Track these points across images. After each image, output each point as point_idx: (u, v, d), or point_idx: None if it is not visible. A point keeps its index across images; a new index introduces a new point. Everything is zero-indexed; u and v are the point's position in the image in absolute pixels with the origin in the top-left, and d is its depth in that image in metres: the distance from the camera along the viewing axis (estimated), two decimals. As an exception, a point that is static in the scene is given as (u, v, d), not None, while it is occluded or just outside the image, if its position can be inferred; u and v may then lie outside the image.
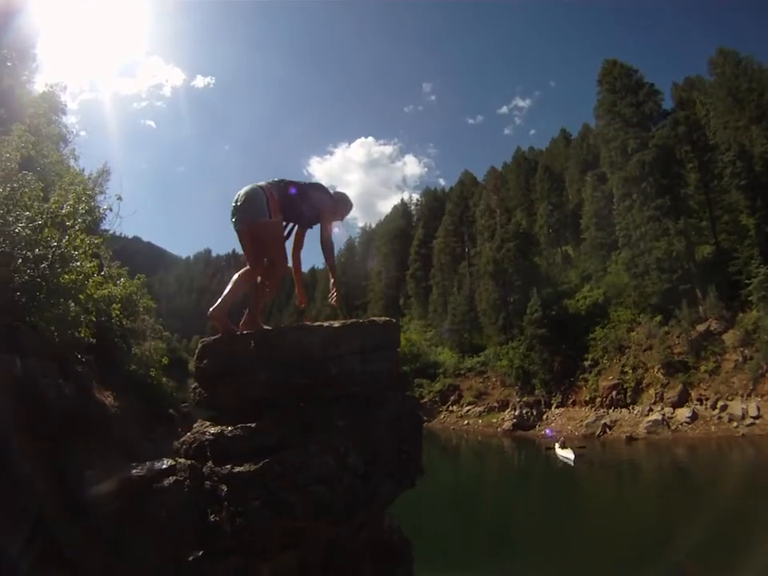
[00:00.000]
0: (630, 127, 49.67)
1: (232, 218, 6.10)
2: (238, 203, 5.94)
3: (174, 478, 5.49)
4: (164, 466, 5.56)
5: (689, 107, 54.57)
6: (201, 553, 5.26)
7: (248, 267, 6.53)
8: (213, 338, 6.54)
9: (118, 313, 15.38)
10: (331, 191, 6.95)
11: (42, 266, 8.55)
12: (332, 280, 7.15)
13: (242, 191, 5.96)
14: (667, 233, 45.60)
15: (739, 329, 39.92)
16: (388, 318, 6.91)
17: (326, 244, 6.67)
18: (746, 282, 39.32)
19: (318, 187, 6.73)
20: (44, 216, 8.92)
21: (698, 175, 47.26)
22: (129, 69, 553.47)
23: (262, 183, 6.11)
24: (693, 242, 45.96)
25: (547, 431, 42.16)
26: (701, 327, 42.45)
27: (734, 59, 56.03)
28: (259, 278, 6.60)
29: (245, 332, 6.50)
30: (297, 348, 6.07)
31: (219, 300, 6.54)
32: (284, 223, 6.44)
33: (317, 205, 6.50)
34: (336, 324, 6.35)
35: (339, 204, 6.94)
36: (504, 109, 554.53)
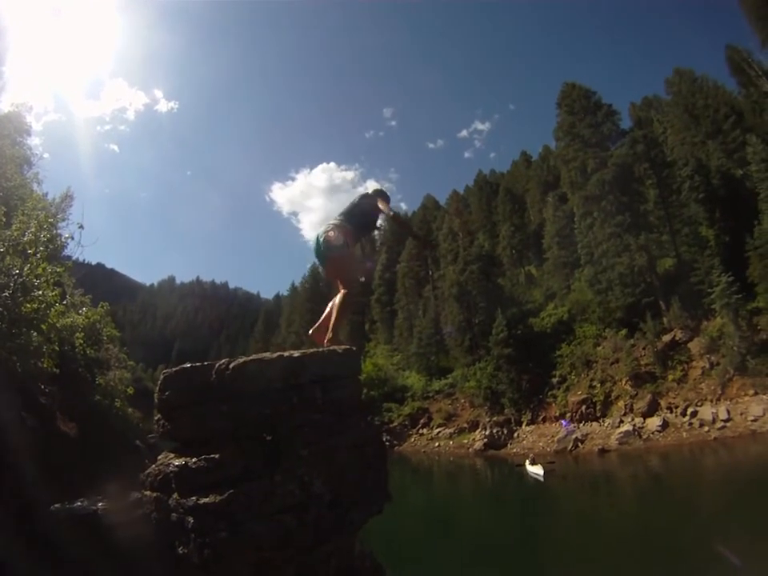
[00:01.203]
0: (589, 147, 51.06)
1: (317, 254, 7.07)
2: (321, 240, 6.79)
3: (141, 511, 5.41)
4: (130, 499, 5.49)
5: (646, 126, 56.45)
6: None
7: (342, 291, 7.19)
8: (174, 369, 6.39)
9: (82, 342, 15.04)
10: (371, 190, 7.64)
11: (4, 294, 8.39)
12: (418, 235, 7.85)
13: (322, 230, 6.84)
14: (628, 248, 46.73)
15: (704, 337, 40.84)
16: (348, 346, 6.93)
17: (395, 217, 7.73)
18: (709, 291, 40.24)
19: (365, 195, 7.47)
20: (5, 243, 8.84)
21: (657, 191, 48.35)
22: (93, 91, 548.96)
23: (335, 221, 6.95)
24: (654, 255, 47.11)
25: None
26: (666, 338, 43.31)
27: (689, 78, 58.10)
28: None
29: (206, 362, 6.44)
30: (258, 379, 5.98)
31: (320, 322, 7.40)
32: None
33: (372, 210, 7.31)
34: (296, 353, 6.25)
35: (382, 196, 7.45)
36: (464, 132, 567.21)
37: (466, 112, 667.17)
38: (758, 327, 38.23)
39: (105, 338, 19.31)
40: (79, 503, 5.40)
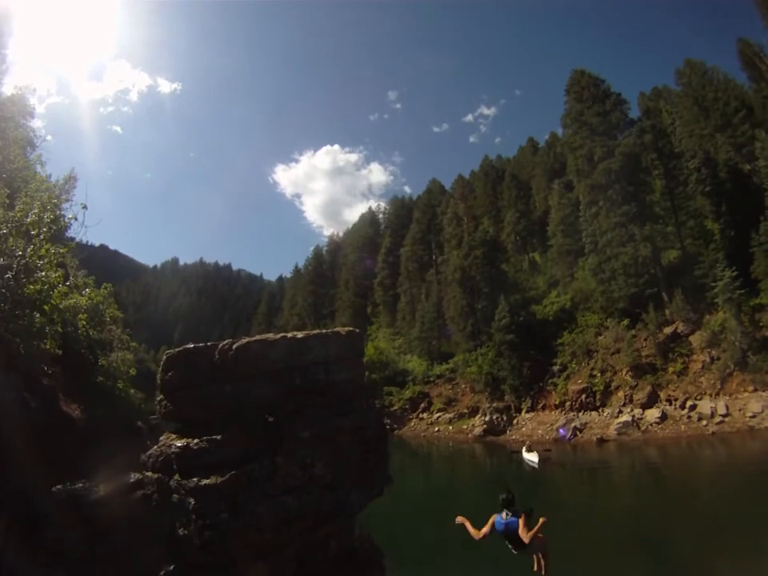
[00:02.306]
0: (596, 136, 50.63)
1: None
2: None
3: (142, 492, 5.49)
4: (131, 480, 5.55)
5: (655, 116, 55.85)
6: (172, 567, 5.22)
7: None
8: (177, 350, 6.51)
9: (85, 323, 15.01)
10: None
11: (6, 276, 8.36)
12: None
13: None
14: (633, 238, 46.46)
15: (706, 330, 40.73)
16: (351, 328, 7.09)
17: None
18: (712, 284, 40.02)
19: None
20: (9, 224, 8.81)
21: (664, 182, 48.18)
22: (95, 73, 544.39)
23: None
24: (658, 246, 46.90)
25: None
26: (668, 330, 43.27)
27: (700, 69, 57.46)
28: None
29: (209, 343, 6.57)
30: (260, 359, 6.13)
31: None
32: None
33: None
34: (299, 335, 6.43)
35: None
36: (469, 117, 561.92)
37: (471, 96, 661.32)
38: (760, 324, 38.13)
39: (108, 319, 19.33)
40: (81, 485, 5.47)
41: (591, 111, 51.78)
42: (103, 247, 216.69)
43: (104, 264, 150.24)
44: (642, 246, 45.74)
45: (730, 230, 43.59)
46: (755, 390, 35.73)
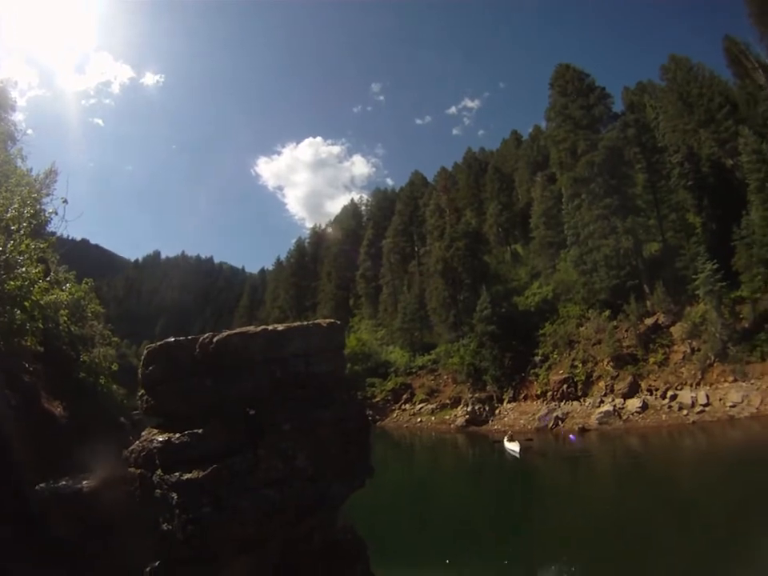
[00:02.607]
0: (580, 129, 50.87)
1: None
2: None
3: (125, 487, 5.38)
4: (114, 477, 5.46)
5: (639, 110, 56.53)
6: (158, 564, 5.16)
7: None
8: (158, 344, 6.47)
9: (66, 319, 14.80)
10: None
11: None
12: None
13: None
14: (615, 231, 46.91)
15: (686, 322, 41.24)
16: (332, 320, 7.06)
17: None
18: (693, 277, 40.42)
19: None
20: None
21: (646, 175, 48.48)
22: (78, 65, 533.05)
23: None
24: (640, 239, 47.43)
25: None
26: (649, 321, 43.76)
27: (685, 65, 57.72)
28: None
29: (190, 336, 6.47)
30: (241, 352, 6.09)
31: None
32: None
33: None
34: (280, 327, 6.41)
35: None
36: (453, 109, 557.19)
37: (455, 89, 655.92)
38: (741, 316, 38.68)
39: (89, 315, 19.04)
40: (64, 482, 5.37)
41: (575, 105, 51.98)
42: (84, 241, 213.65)
43: (85, 258, 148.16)
44: (624, 238, 46.16)
45: (711, 223, 44.11)
46: (735, 380, 36.19)
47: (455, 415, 51.11)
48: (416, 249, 79.22)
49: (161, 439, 5.77)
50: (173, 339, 6.51)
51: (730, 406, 34.69)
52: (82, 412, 13.18)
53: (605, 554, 15.28)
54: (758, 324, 37.32)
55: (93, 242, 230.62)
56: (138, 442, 6.09)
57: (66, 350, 15.13)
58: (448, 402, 54.19)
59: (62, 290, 15.15)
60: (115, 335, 22.57)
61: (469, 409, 49.90)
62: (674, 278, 43.63)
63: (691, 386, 37.98)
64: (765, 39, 44.77)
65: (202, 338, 6.28)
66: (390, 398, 59.95)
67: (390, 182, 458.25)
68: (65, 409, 12.21)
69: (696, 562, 14.67)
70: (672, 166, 47.27)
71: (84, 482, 5.38)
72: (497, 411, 48.91)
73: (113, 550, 5.11)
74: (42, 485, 5.99)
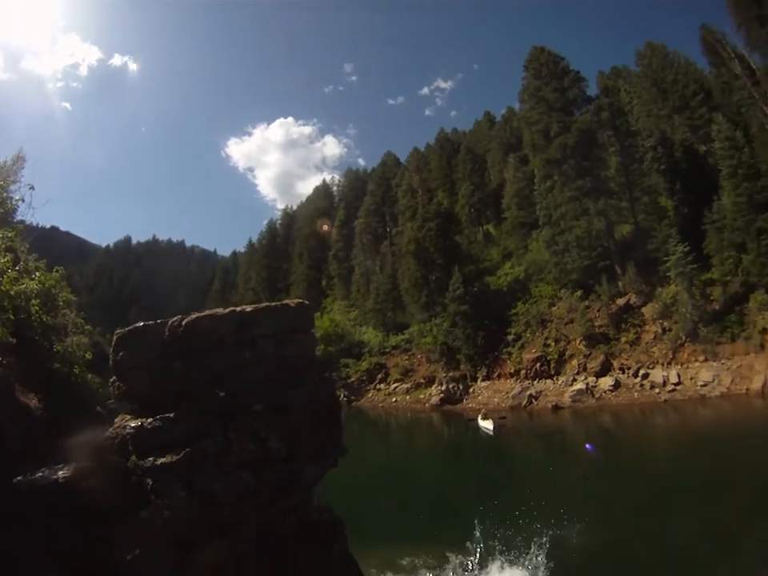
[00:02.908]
0: (553, 111, 50.91)
1: None
2: None
3: (100, 476, 5.24)
4: (89, 465, 5.30)
5: (613, 95, 56.38)
6: (138, 551, 5.07)
7: None
8: (127, 329, 6.42)
9: (38, 309, 14.47)
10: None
11: None
12: None
13: None
14: (587, 212, 47.31)
15: (658, 302, 41.97)
16: (301, 300, 7.04)
17: None
18: (665, 259, 40.99)
19: None
20: None
21: (619, 158, 48.68)
22: (44, 47, 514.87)
23: None
24: (612, 221, 47.96)
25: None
26: (620, 301, 44.39)
27: (661, 52, 58.01)
28: None
29: (157, 321, 6.43)
30: (210, 334, 6.11)
31: None
32: None
33: None
34: (248, 308, 6.43)
35: None
36: (425, 90, 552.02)
37: (428, 70, 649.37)
38: (711, 298, 39.48)
39: (61, 304, 18.57)
40: (41, 474, 5.21)
41: (549, 87, 51.92)
42: (54, 229, 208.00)
43: (55, 246, 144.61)
44: (596, 219, 46.58)
45: (683, 207, 44.74)
46: (706, 360, 37.00)
47: (430, 394, 51.36)
48: (388, 229, 78.89)
49: (133, 425, 5.75)
50: (142, 324, 6.46)
51: (701, 385, 35.50)
52: (57, 403, 12.95)
53: (581, 527, 15.29)
54: (728, 306, 38.11)
55: (63, 228, 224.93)
56: (111, 429, 6.03)
57: (39, 340, 14.79)
58: (422, 381, 54.38)
59: (32, 279, 14.75)
60: (88, 323, 21.99)
61: (443, 388, 50.20)
62: (645, 260, 44.26)
63: (663, 365, 38.73)
64: (742, 29, 45.00)
65: (171, 322, 6.27)
66: (364, 378, 59.94)
67: (361, 162, 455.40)
68: (40, 401, 12.01)
69: (665, 529, 15.33)
70: (645, 150, 47.66)
71: (60, 473, 5.16)
72: (471, 390, 49.29)
73: (93, 539, 4.94)
74: (19, 478, 5.68)
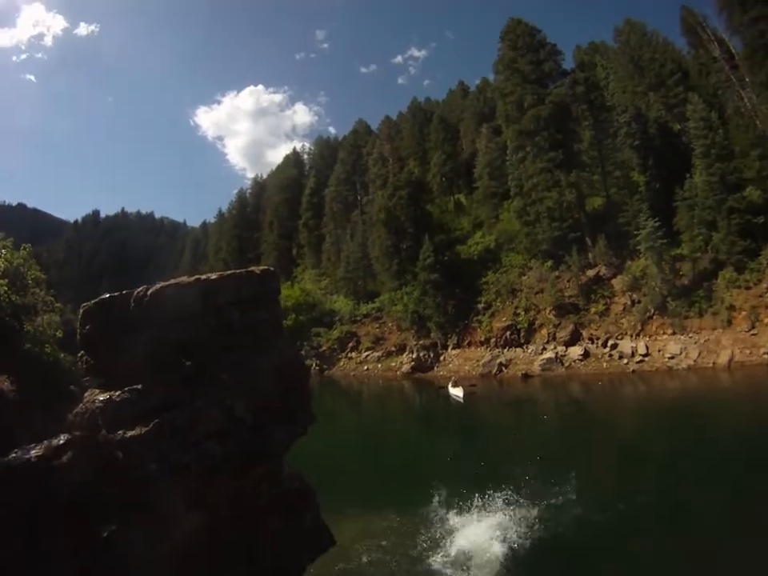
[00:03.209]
0: (528, 83, 50.57)
1: None
2: None
3: (72, 452, 5.09)
4: (60, 442, 5.14)
5: (589, 69, 56.30)
6: (114, 528, 5.00)
7: None
8: (93, 301, 6.34)
9: (6, 289, 13.99)
10: None
11: None
12: None
13: None
14: (559, 184, 47.39)
15: (627, 275, 42.64)
16: (266, 267, 7.02)
17: None
18: (635, 233, 41.52)
19: None
20: None
21: (593, 133, 48.82)
22: (7, 18, 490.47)
23: None
24: (584, 193, 48.29)
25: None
26: (590, 272, 44.92)
27: (640, 30, 57.67)
28: None
29: (123, 292, 6.37)
30: (175, 303, 6.04)
31: None
32: None
33: None
34: (213, 276, 6.39)
35: None
36: (399, 58, 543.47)
37: (401, 38, 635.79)
38: (680, 273, 40.08)
39: (30, 282, 18.13)
40: (14, 454, 5.01)
41: (524, 59, 51.49)
42: (21, 206, 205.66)
43: (23, 223, 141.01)
44: (568, 191, 46.69)
45: (655, 183, 45.02)
46: (674, 333, 37.78)
47: (401, 362, 51.63)
48: (359, 198, 77.94)
49: (102, 399, 5.69)
50: (107, 296, 6.36)
51: (669, 358, 36.34)
52: (31, 384, 12.72)
53: (549, 489, 15.87)
54: (696, 282, 38.81)
55: (30, 205, 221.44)
56: (81, 404, 5.96)
57: (9, 321, 14.48)
58: (393, 349, 54.61)
59: (-1, 257, 14.26)
60: (59, 301, 21.56)
61: (414, 356, 50.51)
62: (615, 233, 44.77)
63: (631, 336, 39.47)
64: (724, 13, 44.96)
65: (136, 292, 6.18)
66: (336, 346, 59.82)
67: (332, 130, 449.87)
68: (12, 382, 11.83)
69: (627, 486, 16.62)
70: (619, 126, 47.78)
71: (32, 452, 4.96)
72: (442, 358, 49.77)
73: (67, 517, 4.79)
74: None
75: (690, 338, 36.63)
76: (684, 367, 34.95)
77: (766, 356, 32.22)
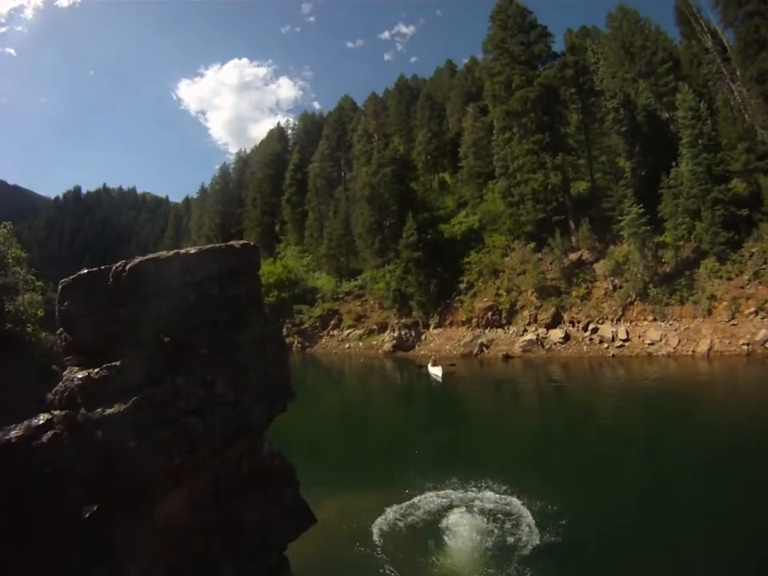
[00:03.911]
0: (517, 64, 49.88)
1: None
2: None
3: (52, 431, 4.98)
4: (41, 422, 5.04)
5: (580, 53, 55.62)
6: (96, 508, 4.85)
7: None
8: (71, 277, 6.21)
9: None
10: None
11: None
12: None
13: None
14: (544, 166, 47.03)
15: (610, 260, 42.59)
16: (246, 242, 6.95)
17: None
18: (619, 218, 41.36)
19: None
20: None
21: (580, 116, 48.58)
22: None
23: None
24: (569, 177, 47.97)
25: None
26: (573, 256, 44.85)
27: (633, 17, 56.80)
28: None
29: (101, 267, 6.23)
30: (154, 279, 5.97)
31: None
32: None
33: None
34: (192, 250, 6.34)
35: None
36: (386, 34, 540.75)
37: (389, 13, 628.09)
38: (663, 260, 40.06)
39: (10, 261, 17.60)
40: None
41: (514, 40, 50.80)
42: (2, 183, 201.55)
43: (4, 201, 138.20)
44: (553, 174, 46.34)
45: (641, 169, 44.88)
46: (654, 319, 37.84)
47: (382, 341, 51.57)
48: (343, 174, 77.09)
49: (80, 376, 5.56)
50: (86, 271, 6.19)
51: (649, 344, 36.45)
52: (13, 364, 12.46)
53: (526, 466, 16.55)
54: (679, 270, 38.78)
55: (10, 182, 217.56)
56: (60, 383, 5.80)
57: None
58: (375, 327, 54.58)
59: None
60: (40, 279, 21.01)
61: (396, 334, 50.36)
62: (599, 218, 44.69)
63: (612, 321, 39.52)
64: (719, 6, 44.44)
65: (114, 267, 6.04)
66: (318, 324, 59.59)
67: (317, 105, 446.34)
68: None
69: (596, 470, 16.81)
70: (607, 111, 47.31)
71: (12, 433, 4.81)
72: (423, 337, 49.71)
73: (48, 497, 4.67)
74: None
75: (671, 325, 36.69)
76: (664, 354, 35.02)
77: (744, 347, 32.34)
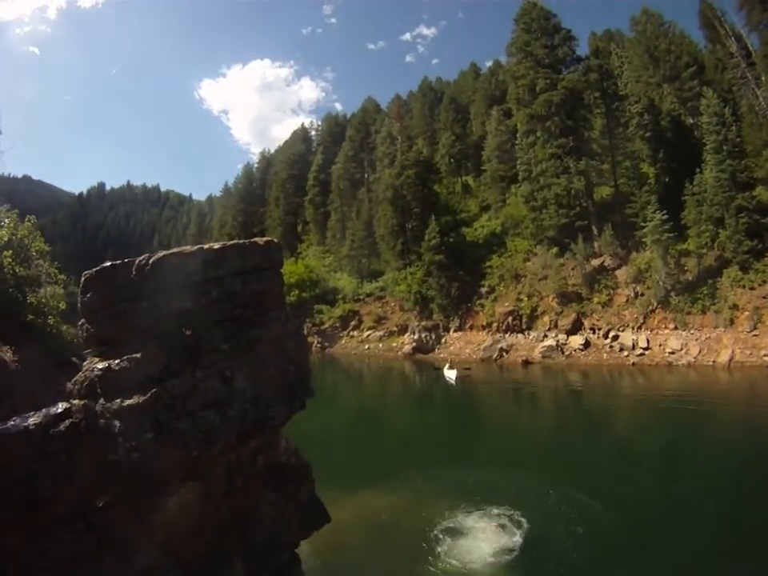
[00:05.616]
0: (541, 68, 49.70)
1: None
2: None
3: (70, 420, 5.07)
4: (59, 411, 5.12)
5: (604, 57, 55.05)
6: (110, 497, 4.99)
7: None
8: (95, 269, 6.29)
9: (11, 260, 13.87)
10: None
11: None
12: None
13: None
14: (568, 171, 46.87)
15: (632, 267, 42.31)
16: (270, 239, 6.95)
17: None
18: (642, 225, 41.08)
19: None
20: None
21: (604, 121, 48.35)
22: None
23: None
24: (592, 182, 47.76)
25: None
26: (595, 262, 44.62)
27: (657, 20, 56.29)
28: None
29: (125, 259, 6.30)
30: (177, 272, 5.99)
31: None
32: None
33: None
34: (216, 246, 6.35)
35: None
36: (407, 36, 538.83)
37: (411, 15, 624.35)
38: (685, 268, 39.76)
39: (34, 254, 18.02)
40: (12, 422, 5.01)
41: (538, 43, 50.66)
42: (26, 178, 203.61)
43: (28, 195, 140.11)
44: (576, 179, 46.16)
45: (665, 175, 44.53)
46: (675, 328, 37.49)
47: (402, 343, 51.67)
48: (366, 175, 77.43)
49: (100, 367, 5.66)
50: (109, 264, 6.30)
51: (669, 353, 36.15)
52: (33, 355, 12.72)
53: (539, 466, 16.79)
54: (701, 278, 38.39)
55: (35, 177, 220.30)
56: (80, 372, 5.91)
57: (13, 292, 14.47)
58: (395, 329, 54.64)
59: (1, 227, 14.13)
60: (62, 273, 21.44)
61: (415, 337, 50.47)
62: (622, 224, 44.36)
63: (633, 328, 39.26)
64: (743, 10, 43.95)
65: (138, 260, 6.13)
66: (338, 324, 59.82)
67: (338, 106, 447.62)
68: (15, 353, 11.81)
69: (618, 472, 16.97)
70: (631, 116, 46.96)
71: (30, 420, 4.93)
72: (443, 340, 49.76)
73: (63, 486, 4.81)
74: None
75: (692, 334, 36.38)
76: (684, 363, 34.74)
77: (766, 358, 31.98)
